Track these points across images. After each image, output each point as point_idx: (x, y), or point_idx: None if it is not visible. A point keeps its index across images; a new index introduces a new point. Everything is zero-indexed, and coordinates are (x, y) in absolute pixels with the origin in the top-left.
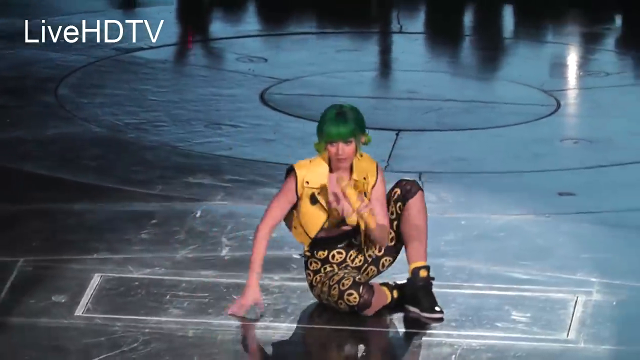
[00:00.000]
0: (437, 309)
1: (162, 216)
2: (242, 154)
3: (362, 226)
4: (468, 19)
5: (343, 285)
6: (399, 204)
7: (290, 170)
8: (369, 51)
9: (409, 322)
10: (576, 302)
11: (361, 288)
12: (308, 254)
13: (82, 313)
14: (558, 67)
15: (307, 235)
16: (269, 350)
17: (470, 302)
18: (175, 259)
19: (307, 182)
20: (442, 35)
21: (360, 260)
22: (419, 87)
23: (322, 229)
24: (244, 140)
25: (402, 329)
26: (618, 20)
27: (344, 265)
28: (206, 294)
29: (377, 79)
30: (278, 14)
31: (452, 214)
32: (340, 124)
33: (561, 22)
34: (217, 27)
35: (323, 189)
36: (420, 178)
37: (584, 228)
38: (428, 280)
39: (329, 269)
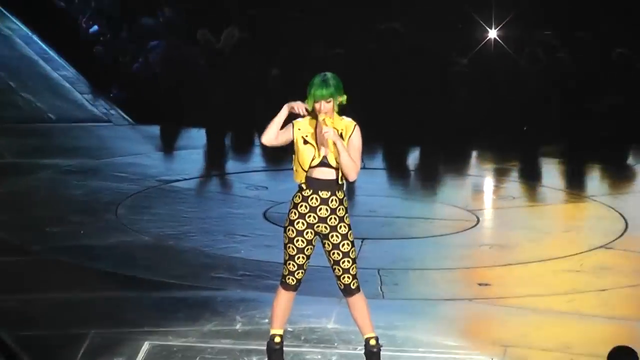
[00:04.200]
0: None
1: (193, 300)
2: (250, 256)
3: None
4: (412, 157)
5: (285, 268)
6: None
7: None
8: None
9: None
10: None
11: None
12: (303, 185)
13: None
14: (478, 193)
15: (303, 170)
16: None
17: None
18: (202, 330)
19: (299, 129)
20: (394, 170)
21: (322, 214)
22: (378, 207)
23: (312, 165)
24: (251, 246)
25: None
26: (521, 159)
27: (308, 215)
28: (225, 357)
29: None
30: (276, 153)
31: (401, 298)
32: (323, 87)
33: (480, 160)
34: (231, 165)
35: (311, 134)
36: (378, 273)
37: (496, 309)
38: (377, 346)
39: (297, 221)
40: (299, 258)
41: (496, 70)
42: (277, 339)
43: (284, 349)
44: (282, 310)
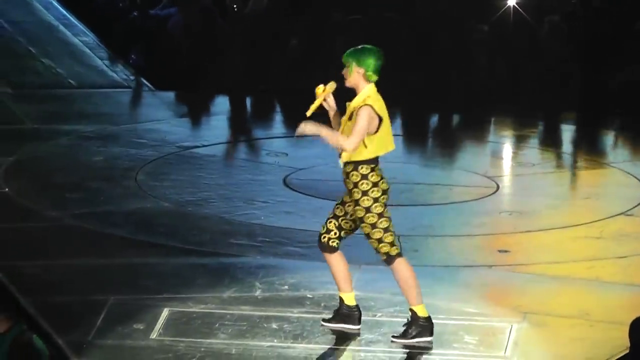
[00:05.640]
0: (395, 334)
1: (212, 267)
2: (270, 222)
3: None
4: (432, 123)
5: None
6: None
7: None
8: None
9: (394, 344)
10: (511, 329)
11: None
12: None
13: (156, 337)
14: (497, 159)
15: None
16: None
17: (435, 329)
18: (222, 297)
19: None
20: (413, 136)
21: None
22: (397, 174)
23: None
24: (271, 212)
25: (388, 348)
26: (540, 126)
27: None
28: (244, 323)
29: None
30: (296, 121)
31: (421, 265)
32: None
33: (499, 126)
34: (251, 131)
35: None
36: (398, 239)
37: (516, 276)
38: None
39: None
40: (330, 221)
41: (515, 37)
42: (341, 302)
43: (305, 315)
44: (333, 273)
